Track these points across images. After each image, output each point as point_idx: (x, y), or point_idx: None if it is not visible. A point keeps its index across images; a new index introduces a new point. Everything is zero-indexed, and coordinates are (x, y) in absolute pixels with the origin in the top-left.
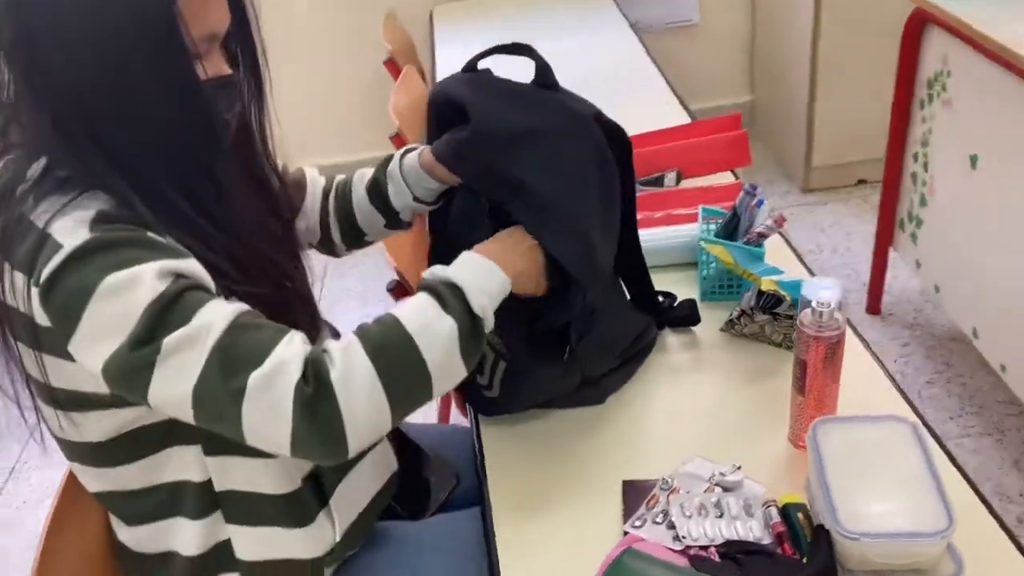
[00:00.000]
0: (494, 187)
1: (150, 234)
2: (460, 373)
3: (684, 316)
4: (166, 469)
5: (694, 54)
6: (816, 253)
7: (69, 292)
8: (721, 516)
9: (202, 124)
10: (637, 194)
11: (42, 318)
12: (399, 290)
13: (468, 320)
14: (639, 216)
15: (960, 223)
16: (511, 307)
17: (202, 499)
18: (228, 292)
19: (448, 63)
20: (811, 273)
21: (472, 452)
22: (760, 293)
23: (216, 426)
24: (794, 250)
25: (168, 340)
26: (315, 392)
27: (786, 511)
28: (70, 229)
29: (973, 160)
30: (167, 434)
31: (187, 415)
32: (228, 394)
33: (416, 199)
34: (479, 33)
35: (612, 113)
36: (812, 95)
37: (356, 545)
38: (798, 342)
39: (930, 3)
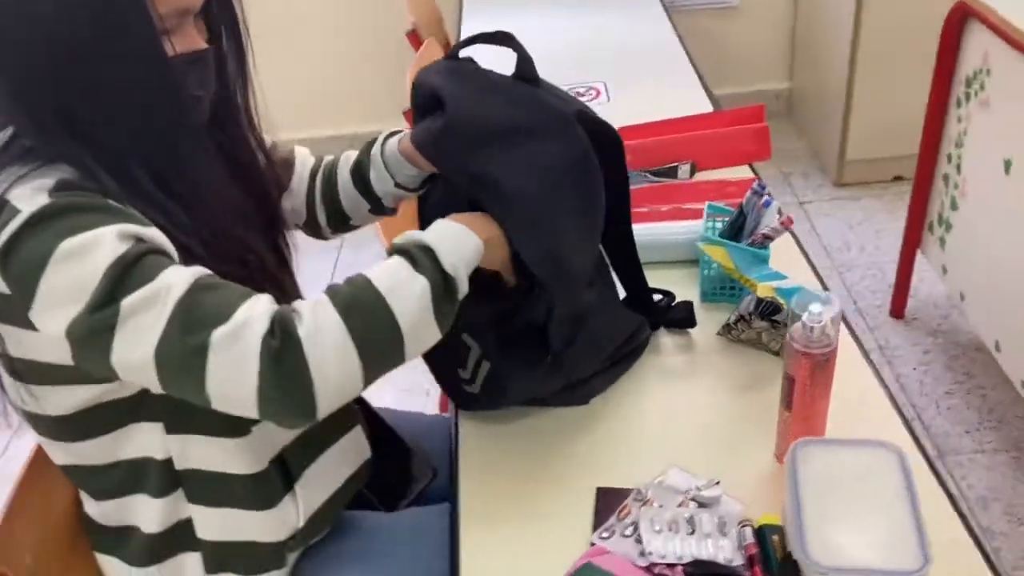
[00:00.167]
0: (465, 179)
1: (111, 201)
2: (434, 335)
3: (680, 318)
4: (128, 446)
5: (733, 37)
6: (843, 251)
7: (27, 258)
8: (692, 533)
9: (168, 101)
10: (647, 185)
11: (1, 286)
12: None
13: (440, 280)
14: (645, 209)
15: (990, 230)
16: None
17: (163, 477)
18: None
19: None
20: (820, 279)
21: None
22: (759, 299)
23: (180, 388)
24: (804, 253)
25: (127, 301)
26: (282, 344)
27: (761, 533)
28: (28, 196)
29: (1007, 165)
30: (129, 411)
31: (151, 379)
32: (190, 351)
33: (398, 185)
34: (508, 6)
35: (631, 96)
36: (850, 85)
37: (321, 532)
38: (786, 356)
39: None
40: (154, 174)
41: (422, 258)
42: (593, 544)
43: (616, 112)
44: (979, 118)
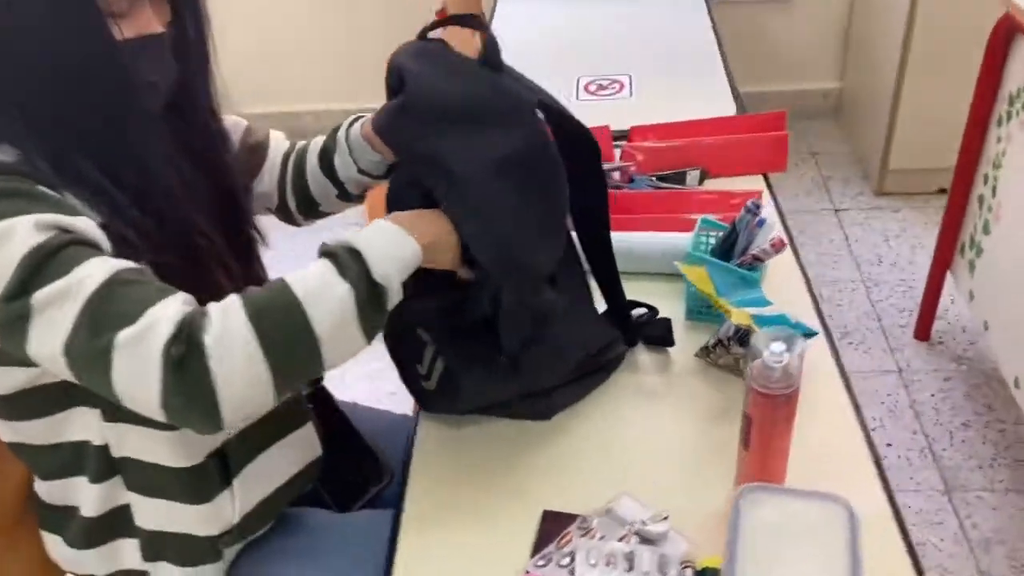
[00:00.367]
0: (417, 160)
1: (41, 188)
2: (358, 344)
3: (657, 336)
4: (70, 428)
5: (784, 32)
6: (874, 264)
7: None
8: (630, 570)
9: (114, 86)
10: (649, 191)
11: None
12: None
13: (367, 287)
14: (642, 216)
15: (1020, 260)
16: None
17: (101, 463)
18: (135, 259)
19: (505, 18)
20: (817, 307)
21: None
22: None
23: (91, 384)
24: (805, 276)
25: (38, 294)
26: (186, 351)
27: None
28: None
29: None
30: (66, 395)
31: (65, 372)
32: (96, 352)
33: (361, 171)
34: None
35: (654, 93)
36: (898, 90)
37: (260, 528)
38: (745, 393)
39: (1021, 10)
40: (99, 160)
41: (349, 262)
42: (527, 572)
43: (636, 109)
44: (1020, 139)
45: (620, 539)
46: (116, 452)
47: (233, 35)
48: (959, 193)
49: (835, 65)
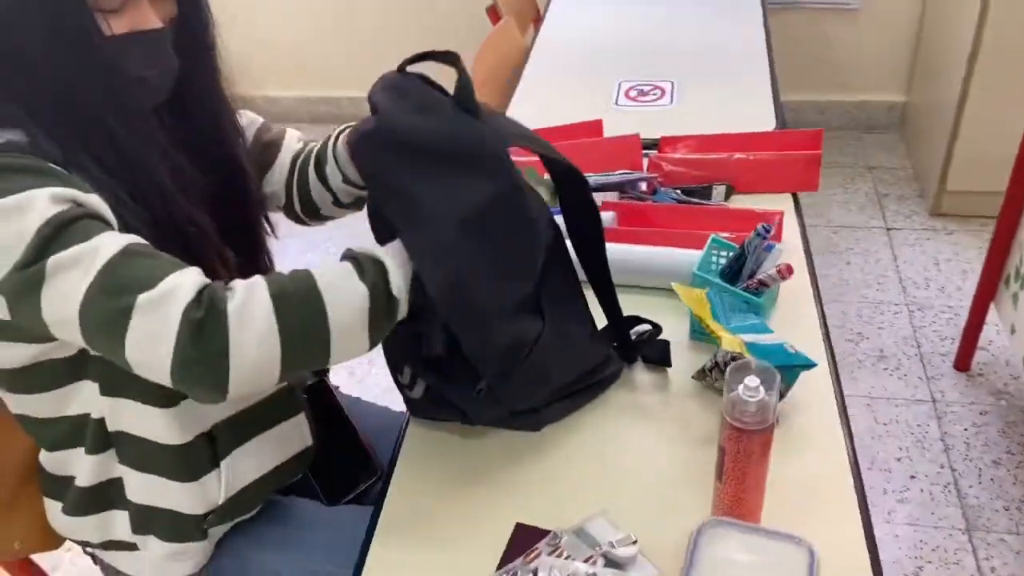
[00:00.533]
0: (378, 186)
1: (53, 166)
2: (362, 346)
3: (655, 356)
4: (72, 402)
5: (851, 42)
6: (921, 287)
7: None
8: None
9: (99, 81)
10: (670, 204)
11: None
12: None
13: (383, 295)
14: (659, 230)
15: None
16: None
17: (97, 436)
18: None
19: (557, 16)
20: (826, 336)
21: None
22: None
23: (102, 348)
24: (819, 303)
25: (53, 259)
26: (206, 315)
27: None
28: None
29: None
30: (71, 370)
31: (77, 337)
32: (113, 313)
33: (346, 180)
34: None
35: (695, 101)
36: (960, 108)
37: (246, 512)
38: (720, 425)
39: None
40: (92, 150)
41: (370, 269)
42: None
43: (673, 117)
44: None
45: (587, 560)
46: (111, 426)
47: (265, 22)
48: (1007, 221)
49: (902, 78)
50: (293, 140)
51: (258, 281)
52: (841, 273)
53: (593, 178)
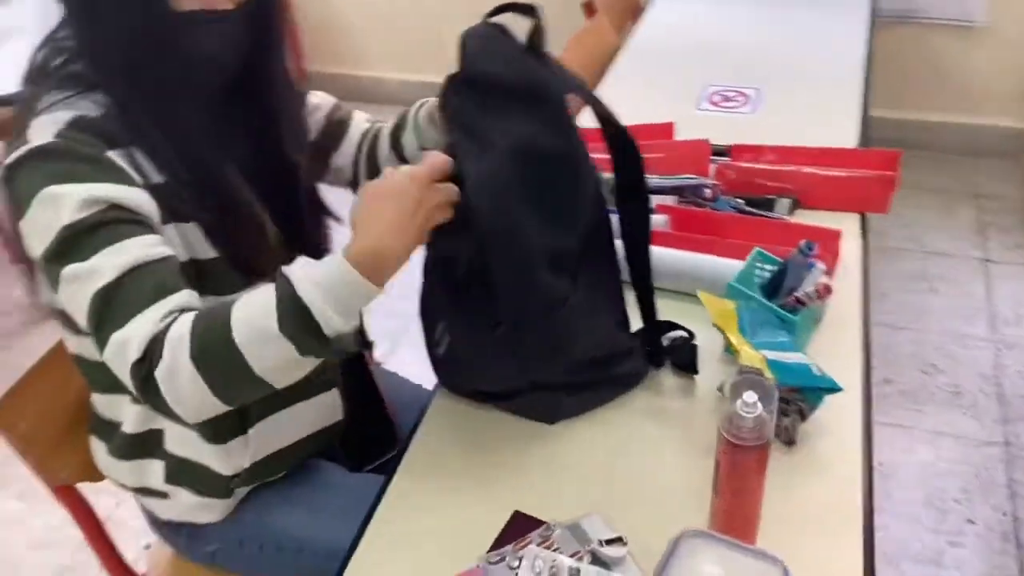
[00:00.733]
0: (454, 125)
1: (108, 153)
2: (309, 365)
3: (682, 362)
4: None
5: (970, 61)
6: (1011, 325)
7: (20, 187)
8: None
9: (161, 55)
10: (729, 213)
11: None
12: None
13: (311, 338)
14: (711, 238)
15: None
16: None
17: None
18: (175, 216)
19: (658, 17)
20: (866, 362)
21: None
22: None
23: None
24: (865, 328)
25: (66, 271)
26: (145, 378)
27: None
28: (41, 128)
29: None
30: None
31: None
32: (98, 341)
33: (422, 148)
34: None
35: (777, 110)
36: None
37: (270, 476)
38: (717, 439)
39: None
40: (150, 119)
41: (293, 316)
42: (477, 565)
43: (752, 124)
44: None
45: (574, 555)
46: None
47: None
48: None
49: (1021, 103)
50: (362, 120)
51: (183, 338)
52: (926, 301)
53: (653, 180)
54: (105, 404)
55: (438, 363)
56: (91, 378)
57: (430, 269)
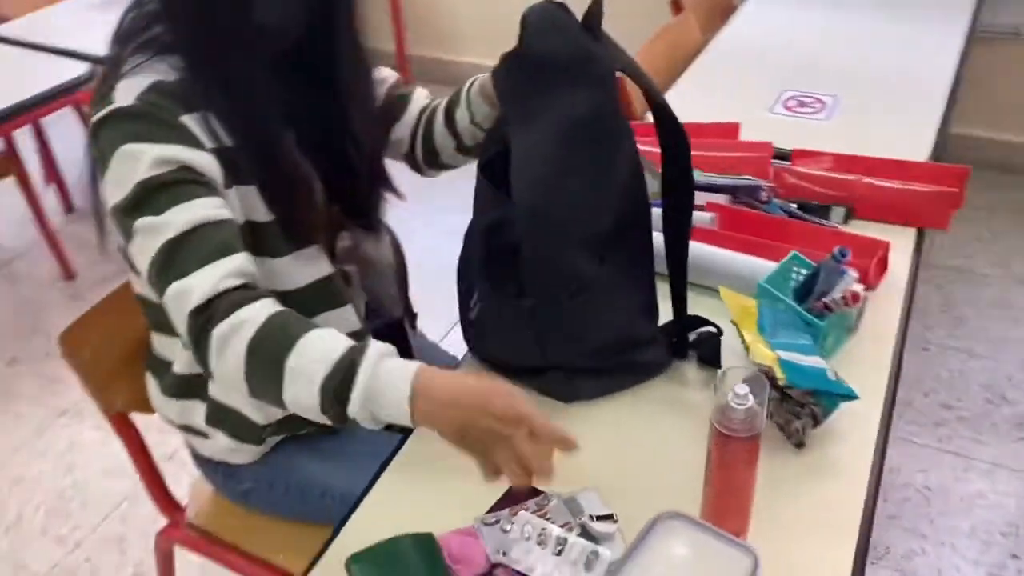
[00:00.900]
0: (506, 98)
1: (183, 118)
2: (320, 420)
3: (704, 355)
4: None
5: None
6: None
7: (103, 142)
8: (557, 555)
9: (224, 17)
10: (780, 217)
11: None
12: None
13: (338, 410)
14: (756, 239)
15: None
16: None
17: None
18: (237, 179)
19: (747, 18)
20: (893, 380)
21: None
22: None
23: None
24: (901, 341)
25: (139, 222)
26: (201, 328)
27: None
28: (125, 89)
29: None
30: None
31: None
32: (157, 287)
33: (473, 122)
34: None
35: (853, 119)
36: None
37: (299, 429)
38: (709, 430)
39: None
40: (217, 83)
41: (336, 390)
42: (473, 525)
43: (823, 131)
44: None
45: (564, 525)
46: None
47: None
48: None
49: None
50: (422, 96)
51: (249, 323)
52: (1006, 331)
53: (706, 178)
54: (160, 344)
55: (469, 327)
56: (151, 318)
57: (471, 234)
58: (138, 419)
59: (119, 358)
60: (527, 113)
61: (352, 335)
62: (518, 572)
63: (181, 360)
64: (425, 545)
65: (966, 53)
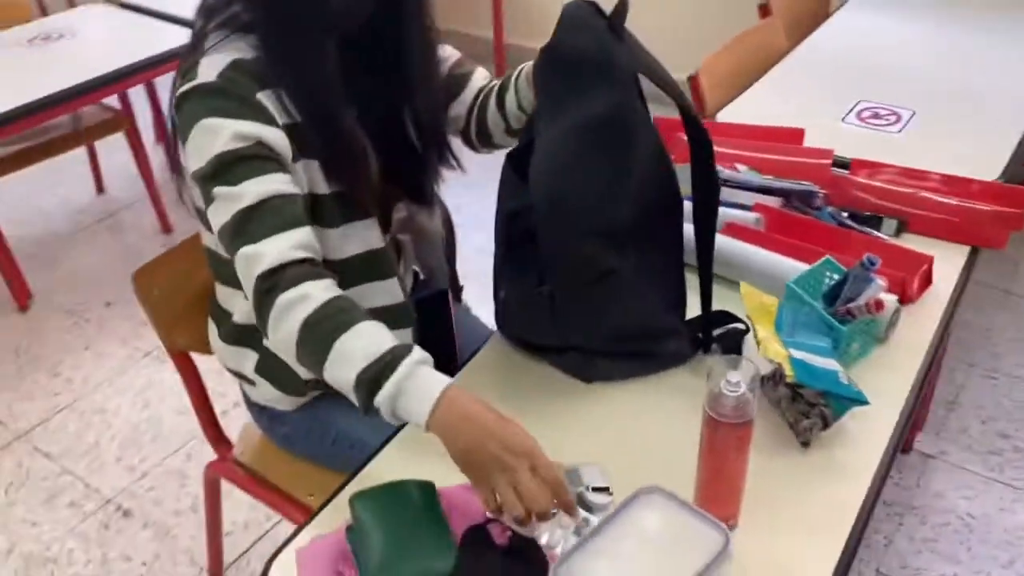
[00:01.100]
0: (539, 91)
1: (259, 95)
2: (351, 398)
3: (728, 349)
4: None
5: None
6: None
7: (186, 114)
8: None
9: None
10: (831, 225)
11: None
12: None
13: (365, 392)
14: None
15: None
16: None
17: None
18: (302, 153)
19: (839, 25)
20: (915, 394)
21: None
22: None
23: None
24: (932, 356)
25: (217, 190)
26: (266, 291)
27: None
28: (207, 66)
29: None
30: None
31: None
32: (229, 249)
33: (520, 108)
34: (896, 6)
35: (929, 135)
36: None
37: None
38: (702, 417)
39: None
40: (288, 61)
41: (374, 375)
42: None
43: (893, 144)
44: None
45: None
46: None
47: None
48: None
49: None
50: (480, 76)
51: (312, 299)
52: None
53: (762, 180)
54: (223, 294)
55: (498, 308)
56: (217, 270)
57: (496, 220)
58: (212, 369)
59: (185, 301)
60: (553, 107)
61: (395, 308)
62: (511, 529)
63: (240, 311)
64: (425, 491)
65: None
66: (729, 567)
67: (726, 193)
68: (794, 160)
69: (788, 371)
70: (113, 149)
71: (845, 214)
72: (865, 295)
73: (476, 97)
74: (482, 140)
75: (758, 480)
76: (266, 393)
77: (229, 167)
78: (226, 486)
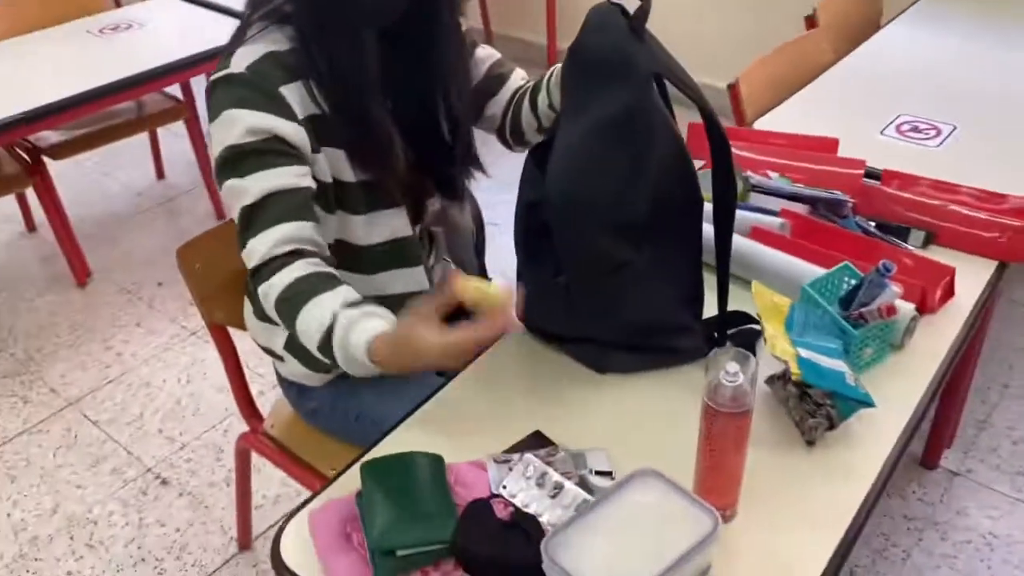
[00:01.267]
0: (564, 90)
1: (282, 89)
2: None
3: (742, 347)
4: None
5: None
6: None
7: (214, 101)
8: (554, 498)
9: None
10: (857, 233)
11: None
12: None
13: (324, 355)
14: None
15: None
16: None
17: None
18: (327, 142)
19: (886, 41)
20: (927, 401)
21: None
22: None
23: None
24: (946, 366)
25: (227, 182)
26: (255, 285)
27: None
28: (240, 56)
29: None
30: None
31: None
32: (238, 246)
33: (551, 107)
34: (942, 19)
35: (968, 151)
36: None
37: None
38: (702, 407)
39: None
40: (321, 51)
41: (327, 340)
42: (482, 459)
43: (929, 157)
44: None
45: (564, 474)
46: None
47: None
48: None
49: None
50: (517, 77)
51: (279, 288)
52: None
53: (792, 187)
54: None
55: (521, 299)
56: None
57: (516, 211)
58: (253, 349)
59: (223, 278)
60: (575, 106)
61: (419, 296)
62: (513, 505)
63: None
64: (433, 463)
65: None
66: (714, 550)
67: (755, 199)
68: (826, 169)
69: (794, 369)
70: (174, 137)
71: (872, 224)
72: (879, 300)
73: (512, 96)
74: (515, 138)
75: (761, 475)
76: (295, 369)
77: (238, 160)
78: (260, 461)
